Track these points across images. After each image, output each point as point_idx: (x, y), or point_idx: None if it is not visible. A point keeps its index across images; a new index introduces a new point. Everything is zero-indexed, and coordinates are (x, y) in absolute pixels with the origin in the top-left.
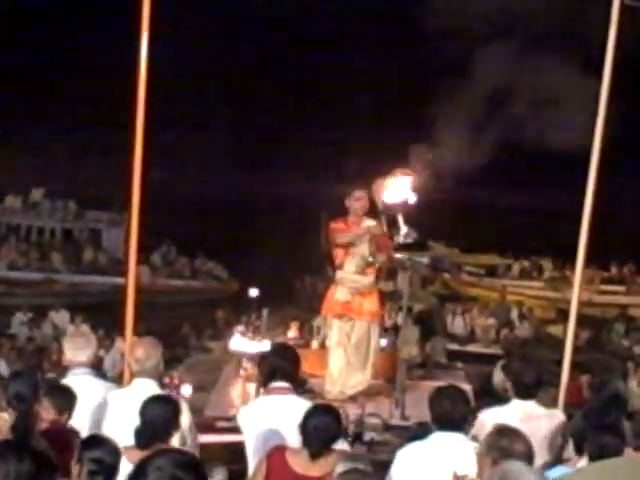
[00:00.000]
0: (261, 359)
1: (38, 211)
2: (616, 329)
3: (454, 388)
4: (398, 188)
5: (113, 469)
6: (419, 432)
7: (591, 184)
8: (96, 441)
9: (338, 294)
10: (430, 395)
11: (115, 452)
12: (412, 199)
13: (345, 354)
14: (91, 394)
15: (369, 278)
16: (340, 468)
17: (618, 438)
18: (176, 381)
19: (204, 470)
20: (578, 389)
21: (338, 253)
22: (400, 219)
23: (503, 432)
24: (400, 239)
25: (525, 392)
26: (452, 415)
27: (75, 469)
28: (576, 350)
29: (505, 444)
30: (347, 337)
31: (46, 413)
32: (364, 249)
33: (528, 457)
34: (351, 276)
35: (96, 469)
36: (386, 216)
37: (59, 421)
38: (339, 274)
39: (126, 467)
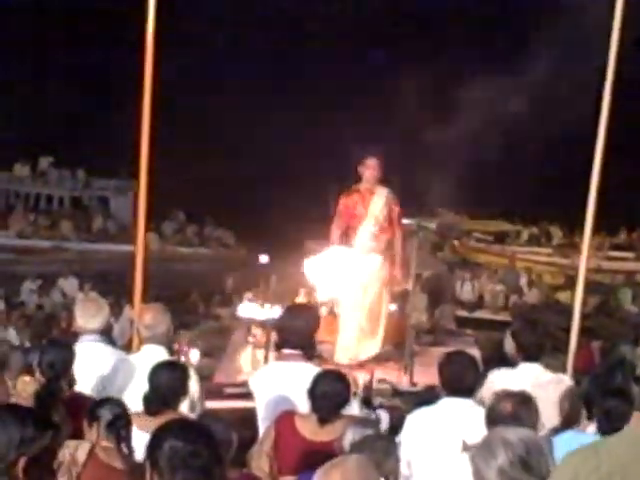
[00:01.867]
0: (280, 319)
1: (46, 179)
2: (625, 295)
3: (464, 354)
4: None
5: (129, 424)
6: (427, 397)
7: (599, 150)
8: (107, 400)
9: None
10: (439, 360)
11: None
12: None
13: (357, 320)
14: (101, 361)
15: (381, 243)
16: (350, 434)
17: (625, 402)
18: (185, 347)
19: (216, 443)
20: (589, 355)
21: (351, 219)
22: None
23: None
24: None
25: (528, 354)
26: (462, 381)
27: (89, 431)
28: (586, 316)
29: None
30: (359, 302)
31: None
32: (377, 213)
33: (516, 418)
34: (364, 241)
35: (114, 422)
36: None
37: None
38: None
39: (136, 433)
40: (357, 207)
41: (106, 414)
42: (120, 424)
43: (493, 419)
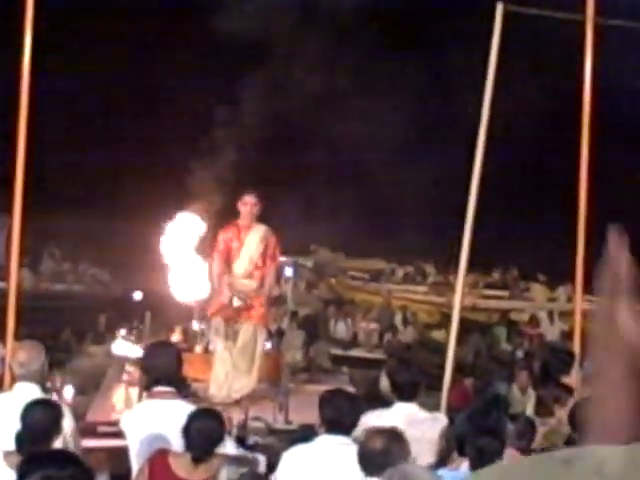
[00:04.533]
0: (142, 360)
1: None
2: (499, 333)
3: (345, 392)
4: None
5: None
6: (302, 435)
7: (474, 188)
8: None
9: (224, 297)
10: (322, 397)
11: None
12: None
13: (231, 357)
14: None
15: (256, 281)
16: (225, 473)
17: (497, 440)
18: (58, 385)
19: (82, 465)
20: (463, 392)
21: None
22: None
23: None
24: None
25: (402, 393)
26: (343, 418)
27: None
28: (461, 354)
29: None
30: (233, 340)
31: None
32: (252, 250)
33: (400, 458)
34: (239, 280)
35: None
36: None
37: None
38: (226, 278)
39: (6, 472)
40: (233, 241)
41: None
42: None
43: (364, 456)
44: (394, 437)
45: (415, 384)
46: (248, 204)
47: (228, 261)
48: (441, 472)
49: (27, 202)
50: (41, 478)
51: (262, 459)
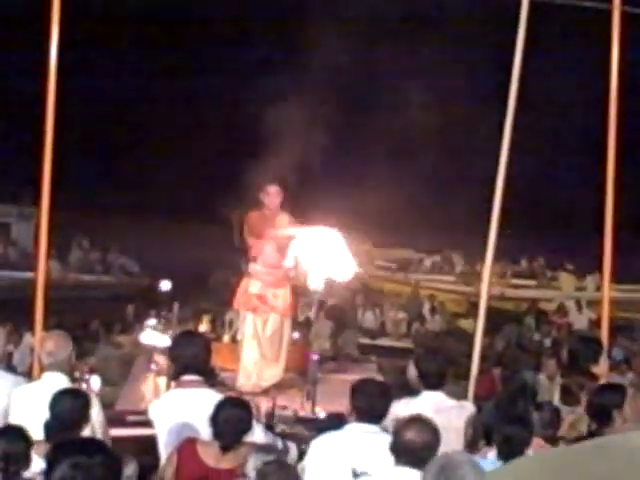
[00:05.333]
0: (170, 349)
1: None
2: (527, 323)
3: (377, 381)
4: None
5: (25, 458)
6: (329, 424)
7: (500, 180)
8: (3, 432)
9: (251, 287)
10: (353, 385)
11: (25, 441)
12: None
13: (259, 347)
14: None
15: (282, 270)
16: (252, 461)
17: (524, 429)
18: (86, 375)
19: (111, 453)
20: (490, 382)
21: (255, 244)
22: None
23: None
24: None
25: (430, 382)
26: (374, 407)
27: None
28: (489, 343)
29: (411, 436)
30: (261, 330)
31: None
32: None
33: (433, 447)
34: (266, 270)
35: (6, 462)
36: None
37: None
38: (252, 267)
39: (35, 461)
40: (264, 225)
41: None
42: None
43: (396, 445)
44: (426, 426)
45: (442, 373)
46: (272, 194)
47: (258, 242)
48: None
49: (55, 193)
50: (70, 466)
51: (293, 447)
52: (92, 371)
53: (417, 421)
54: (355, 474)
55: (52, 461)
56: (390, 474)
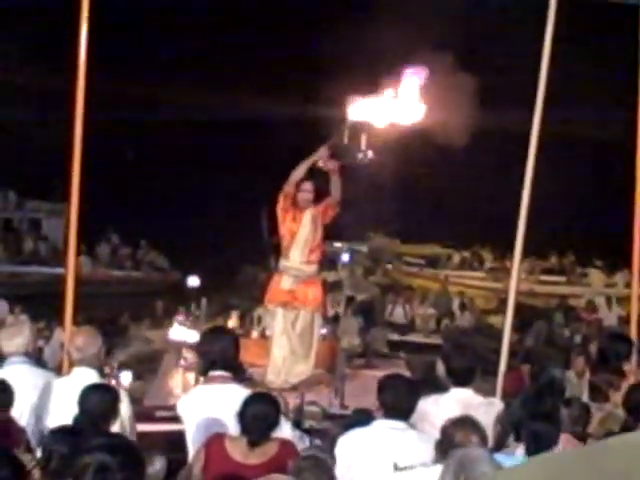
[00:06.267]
0: (199, 344)
1: None
2: (557, 319)
3: (405, 377)
4: (371, 108)
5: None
6: (358, 420)
7: (529, 173)
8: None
9: (283, 283)
10: (381, 381)
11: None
12: (379, 124)
13: (289, 343)
14: (27, 383)
15: (313, 267)
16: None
17: (552, 425)
18: (115, 370)
19: (136, 452)
20: (519, 378)
21: (284, 238)
22: (363, 138)
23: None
24: (357, 157)
25: (458, 379)
26: (402, 403)
27: (25, 457)
28: (518, 340)
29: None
30: (291, 326)
31: None
32: (307, 234)
33: (464, 444)
34: (296, 265)
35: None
36: (350, 130)
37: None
38: (283, 262)
39: None
40: (291, 222)
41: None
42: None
43: (442, 445)
44: (472, 427)
45: (470, 369)
46: (306, 191)
47: (286, 238)
48: (498, 456)
49: (85, 189)
50: (91, 463)
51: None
52: (122, 367)
53: (463, 421)
54: (396, 468)
55: (74, 457)
56: (432, 471)
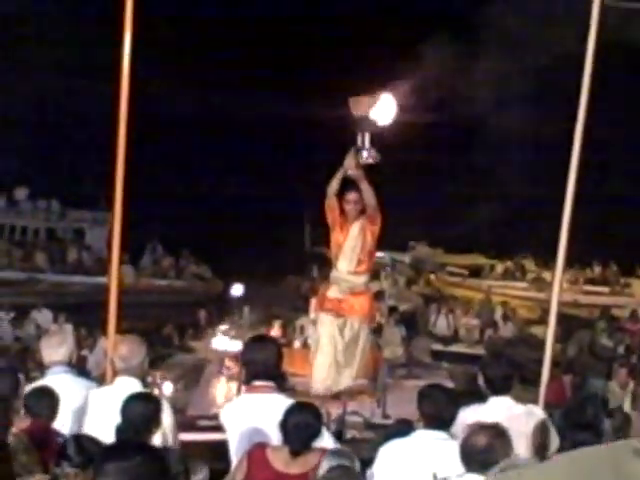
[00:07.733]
0: (242, 354)
1: (20, 210)
2: (599, 329)
3: (444, 387)
4: (373, 106)
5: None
6: (399, 430)
7: (572, 181)
8: (78, 444)
9: (331, 292)
10: (420, 392)
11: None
12: (384, 121)
13: (334, 352)
14: (69, 393)
15: (362, 278)
16: (326, 465)
17: (594, 435)
18: (158, 380)
19: (166, 464)
20: (561, 388)
21: (332, 249)
22: (367, 137)
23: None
24: (362, 158)
25: (495, 387)
26: (442, 413)
27: (55, 470)
28: (561, 350)
29: (481, 443)
30: (339, 334)
31: (23, 417)
32: (353, 245)
33: (490, 450)
34: (344, 276)
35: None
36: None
37: (41, 420)
38: (333, 273)
39: None
40: (339, 233)
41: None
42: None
43: (467, 452)
44: (497, 433)
45: (506, 377)
46: (351, 202)
47: (335, 245)
48: None
49: (128, 198)
50: (114, 469)
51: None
52: (164, 377)
53: (487, 428)
54: (435, 478)
55: (99, 464)
56: None
